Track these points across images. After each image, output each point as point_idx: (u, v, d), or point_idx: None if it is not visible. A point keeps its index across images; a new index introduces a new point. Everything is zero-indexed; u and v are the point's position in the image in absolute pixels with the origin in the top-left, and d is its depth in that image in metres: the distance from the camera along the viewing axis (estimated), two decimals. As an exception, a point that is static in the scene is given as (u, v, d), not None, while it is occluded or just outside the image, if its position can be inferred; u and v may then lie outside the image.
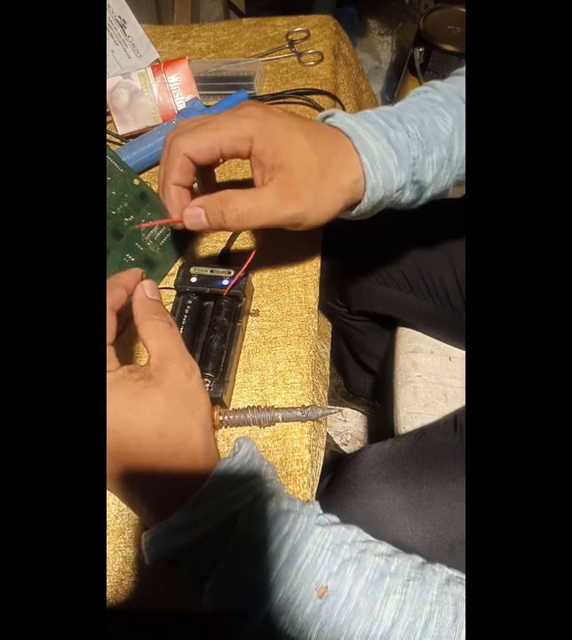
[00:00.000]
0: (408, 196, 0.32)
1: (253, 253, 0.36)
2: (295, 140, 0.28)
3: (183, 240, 0.43)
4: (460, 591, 0.25)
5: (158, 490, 0.25)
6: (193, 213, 0.29)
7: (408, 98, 0.33)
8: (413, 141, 0.30)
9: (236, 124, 0.28)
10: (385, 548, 0.27)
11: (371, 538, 0.28)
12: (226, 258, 0.42)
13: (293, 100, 0.55)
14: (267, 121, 0.28)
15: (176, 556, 0.24)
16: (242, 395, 0.36)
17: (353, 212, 0.31)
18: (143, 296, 0.28)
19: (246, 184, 0.48)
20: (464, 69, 0.34)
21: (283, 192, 0.28)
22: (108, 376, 0.24)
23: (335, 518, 0.28)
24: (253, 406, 0.34)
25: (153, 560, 0.24)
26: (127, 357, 0.39)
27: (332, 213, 0.30)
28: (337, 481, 0.46)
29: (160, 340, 0.26)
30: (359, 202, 0.30)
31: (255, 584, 0.24)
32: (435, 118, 0.31)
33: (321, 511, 0.28)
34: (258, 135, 0.28)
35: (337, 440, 0.91)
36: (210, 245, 0.44)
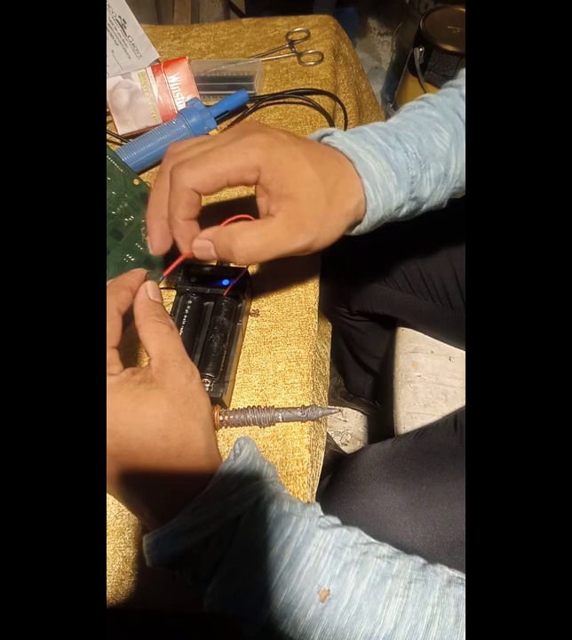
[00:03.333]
0: (405, 212, 0.32)
1: None
2: (302, 171, 0.27)
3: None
4: (461, 592, 0.25)
5: (160, 492, 0.25)
6: (202, 246, 0.28)
7: (403, 113, 0.33)
8: (411, 161, 0.30)
9: (242, 154, 0.27)
10: (386, 549, 0.27)
11: (373, 540, 0.28)
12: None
13: (293, 99, 0.55)
14: (274, 149, 0.27)
15: (178, 558, 0.24)
16: (242, 395, 0.36)
17: (353, 232, 0.32)
18: (145, 297, 0.28)
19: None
20: (457, 81, 0.34)
21: (292, 225, 0.27)
22: (112, 379, 0.24)
23: (336, 520, 0.28)
24: (253, 406, 0.34)
25: (154, 563, 0.24)
26: (127, 358, 0.39)
27: (336, 238, 0.30)
28: (338, 481, 0.46)
29: (161, 342, 0.26)
30: (359, 222, 0.31)
31: (257, 587, 0.24)
32: (432, 135, 0.31)
33: (322, 513, 0.28)
34: (265, 165, 0.27)
35: (337, 440, 0.91)
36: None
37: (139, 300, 0.28)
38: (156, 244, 0.30)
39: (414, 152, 0.30)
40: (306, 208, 0.28)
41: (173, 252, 0.30)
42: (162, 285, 0.42)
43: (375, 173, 0.29)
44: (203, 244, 0.28)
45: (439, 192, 0.32)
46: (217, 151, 0.27)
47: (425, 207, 0.33)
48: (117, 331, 0.26)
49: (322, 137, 0.31)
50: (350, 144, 0.29)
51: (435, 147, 0.31)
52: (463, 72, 0.35)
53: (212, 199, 0.47)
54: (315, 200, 0.28)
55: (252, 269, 0.42)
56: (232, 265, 0.41)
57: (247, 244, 0.27)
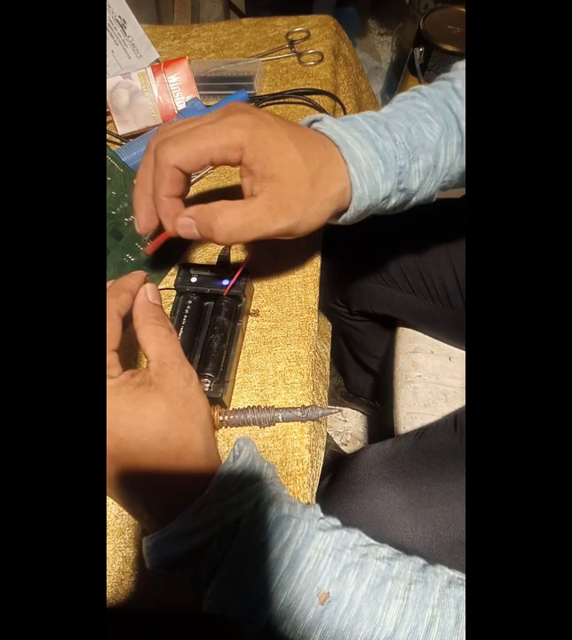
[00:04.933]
0: (393, 204, 0.32)
1: (248, 253, 0.36)
2: (286, 153, 0.27)
3: (182, 240, 0.43)
4: (462, 593, 0.25)
5: (160, 495, 0.25)
6: (185, 223, 0.28)
7: (394, 103, 0.33)
8: (400, 150, 0.30)
9: (226, 133, 0.27)
10: (386, 551, 0.27)
11: (373, 541, 0.27)
12: (226, 258, 0.42)
13: (293, 99, 0.55)
14: (258, 130, 0.27)
15: (178, 560, 0.24)
16: (242, 395, 0.36)
17: (339, 220, 0.31)
18: (145, 300, 0.28)
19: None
20: (450, 74, 0.34)
21: (275, 205, 0.27)
22: (111, 382, 0.24)
23: (336, 521, 0.28)
24: (253, 406, 0.34)
25: (154, 565, 0.24)
26: (126, 359, 0.39)
27: (321, 223, 0.30)
28: (338, 481, 0.46)
29: (160, 345, 0.26)
30: (345, 210, 0.30)
31: (257, 588, 0.24)
32: (422, 126, 0.31)
33: (322, 515, 0.28)
34: (249, 145, 0.27)
35: (337, 440, 0.91)
36: (210, 245, 0.44)
37: (139, 303, 0.28)
38: (142, 222, 0.30)
39: (402, 142, 0.30)
40: (290, 190, 0.27)
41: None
42: (161, 286, 0.42)
43: (361, 161, 0.29)
44: (186, 222, 0.28)
45: (428, 184, 0.32)
46: (201, 129, 0.27)
47: (414, 200, 0.33)
48: (117, 333, 0.26)
49: (312, 122, 0.31)
50: (338, 130, 0.29)
51: (425, 138, 0.31)
52: (456, 65, 0.34)
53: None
54: (299, 182, 0.27)
55: (252, 269, 0.42)
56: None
57: (227, 221, 0.27)
